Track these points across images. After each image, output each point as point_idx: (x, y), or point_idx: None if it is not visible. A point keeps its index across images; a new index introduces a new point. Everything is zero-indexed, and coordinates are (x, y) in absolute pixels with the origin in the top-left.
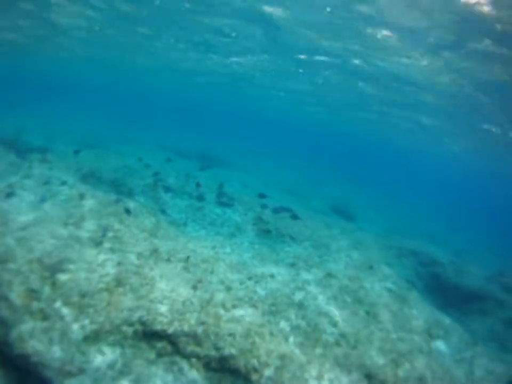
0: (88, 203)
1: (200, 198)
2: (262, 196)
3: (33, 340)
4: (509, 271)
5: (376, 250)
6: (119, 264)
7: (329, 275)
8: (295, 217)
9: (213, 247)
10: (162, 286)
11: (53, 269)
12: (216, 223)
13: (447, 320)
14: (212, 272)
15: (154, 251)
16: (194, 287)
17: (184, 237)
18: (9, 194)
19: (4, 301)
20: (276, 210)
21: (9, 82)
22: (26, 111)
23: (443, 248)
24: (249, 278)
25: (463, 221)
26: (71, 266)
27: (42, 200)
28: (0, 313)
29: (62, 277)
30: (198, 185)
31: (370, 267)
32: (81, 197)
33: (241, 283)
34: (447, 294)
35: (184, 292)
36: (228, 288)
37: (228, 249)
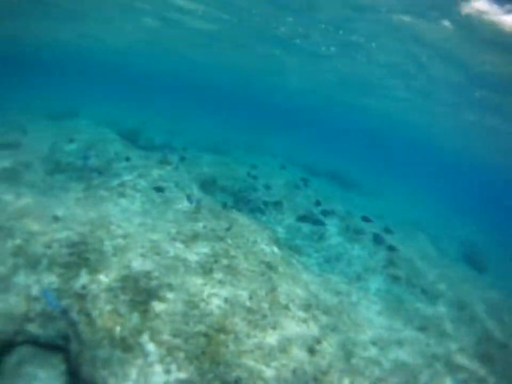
0: (204, 217)
1: (319, 222)
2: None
3: (106, 370)
4: None
5: None
6: (226, 302)
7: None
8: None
9: (337, 293)
10: (272, 341)
11: (148, 294)
12: (341, 258)
13: None
14: (333, 330)
15: (271, 291)
16: (312, 351)
17: (306, 274)
18: (120, 195)
19: (85, 316)
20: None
21: (139, 83)
22: (150, 110)
23: None
24: (374, 343)
25: None
26: (170, 296)
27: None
28: (79, 329)
29: (157, 307)
30: (325, 212)
31: None
32: (198, 210)
33: (364, 348)
34: None
35: (299, 354)
36: (348, 355)
37: (354, 298)
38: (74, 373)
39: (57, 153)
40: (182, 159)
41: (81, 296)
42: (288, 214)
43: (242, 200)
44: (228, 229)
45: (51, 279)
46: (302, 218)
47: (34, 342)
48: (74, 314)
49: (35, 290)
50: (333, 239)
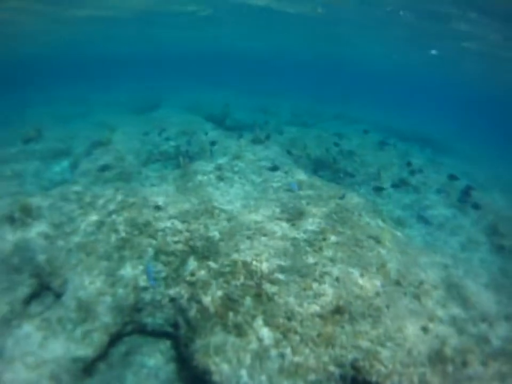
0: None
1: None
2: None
3: (219, 356)
4: None
5: None
6: (337, 280)
7: None
8: None
9: (445, 267)
10: (387, 321)
11: (260, 277)
12: (443, 227)
13: None
14: (443, 306)
15: (382, 267)
16: (425, 329)
17: (411, 248)
18: (218, 178)
19: (196, 303)
20: None
21: (215, 63)
22: (229, 91)
23: None
24: (483, 319)
25: None
26: (282, 277)
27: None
28: (189, 315)
29: (269, 289)
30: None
31: None
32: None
33: (474, 324)
34: None
35: (413, 333)
36: (459, 332)
37: (460, 271)
38: (184, 359)
39: (148, 144)
40: (270, 136)
41: (190, 284)
42: (385, 184)
43: (337, 173)
44: (342, 198)
45: (158, 268)
46: (397, 186)
47: (142, 330)
48: (183, 302)
49: (142, 281)
50: (434, 208)
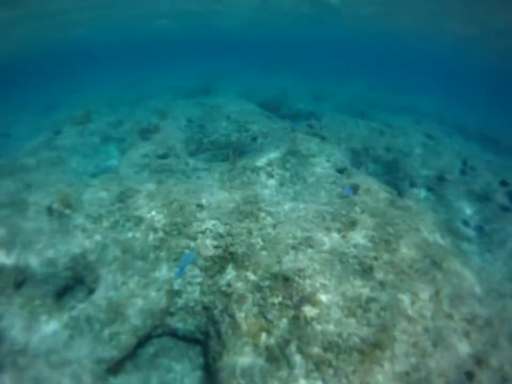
0: (360, 200)
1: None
2: None
3: (245, 379)
4: None
5: None
6: (384, 309)
7: None
8: None
9: (501, 296)
10: (431, 363)
11: (301, 298)
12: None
13: None
14: (493, 347)
15: (435, 294)
16: (471, 376)
17: (469, 270)
18: (268, 175)
19: (229, 317)
20: None
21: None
22: (288, 77)
23: None
24: None
25: None
26: (324, 299)
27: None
28: (221, 328)
29: (309, 312)
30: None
31: None
32: (355, 190)
33: None
34: None
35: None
36: None
37: None
38: (211, 372)
39: (198, 133)
40: (323, 127)
41: (226, 295)
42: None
43: (398, 174)
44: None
45: (195, 273)
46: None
47: (173, 334)
48: (217, 312)
49: (177, 285)
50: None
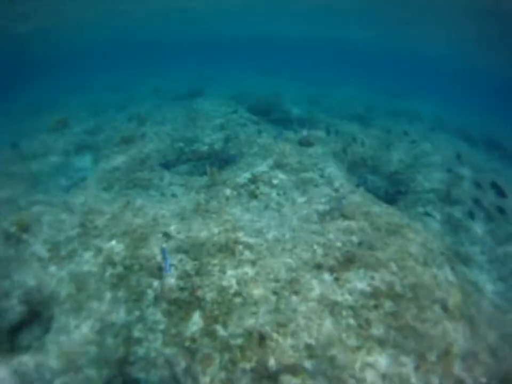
0: (359, 227)
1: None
2: None
3: None
4: None
5: None
6: (384, 379)
7: None
8: None
9: None
10: None
11: (278, 363)
12: None
13: None
14: None
15: (445, 354)
16: None
17: (482, 313)
18: (251, 194)
19: (192, 379)
20: None
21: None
22: (281, 77)
23: None
24: None
25: None
26: (308, 366)
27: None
28: None
29: (289, 383)
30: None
31: None
32: (352, 214)
33: None
34: None
35: None
36: None
37: None
38: None
39: (179, 141)
40: (330, 132)
41: (189, 351)
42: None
43: (400, 189)
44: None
45: (157, 317)
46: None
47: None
48: (179, 371)
49: (137, 331)
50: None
